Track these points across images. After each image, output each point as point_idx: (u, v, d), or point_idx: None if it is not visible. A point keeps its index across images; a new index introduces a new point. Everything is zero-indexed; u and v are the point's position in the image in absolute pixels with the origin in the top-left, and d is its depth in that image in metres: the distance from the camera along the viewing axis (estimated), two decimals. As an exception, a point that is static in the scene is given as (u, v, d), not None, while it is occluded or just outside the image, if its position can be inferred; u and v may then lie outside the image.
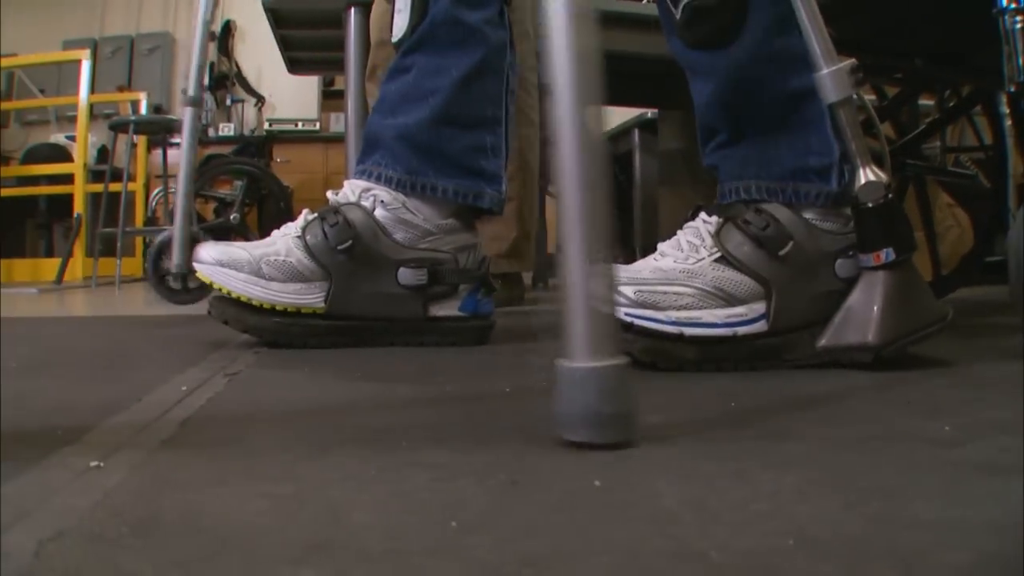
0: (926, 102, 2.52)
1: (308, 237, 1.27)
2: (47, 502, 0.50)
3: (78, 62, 5.17)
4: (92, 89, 5.08)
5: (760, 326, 1.03)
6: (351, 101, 2.10)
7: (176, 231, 1.87)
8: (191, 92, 1.97)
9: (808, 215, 1.06)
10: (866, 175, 1.01)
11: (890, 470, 0.57)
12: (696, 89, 1.15)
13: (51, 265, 5.24)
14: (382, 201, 1.28)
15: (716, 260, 1.05)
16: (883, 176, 1.01)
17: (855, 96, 1.01)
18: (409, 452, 0.63)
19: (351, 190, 1.32)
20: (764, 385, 0.92)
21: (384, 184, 1.30)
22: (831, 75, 0.99)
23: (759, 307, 1.03)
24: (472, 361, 1.15)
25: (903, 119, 2.29)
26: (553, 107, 0.65)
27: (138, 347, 1.39)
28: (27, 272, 5.73)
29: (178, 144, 4.73)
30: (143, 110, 5.54)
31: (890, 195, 1.00)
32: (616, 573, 0.38)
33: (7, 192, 5.99)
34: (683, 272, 1.04)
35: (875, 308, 1.00)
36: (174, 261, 1.87)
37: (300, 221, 1.31)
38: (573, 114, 0.64)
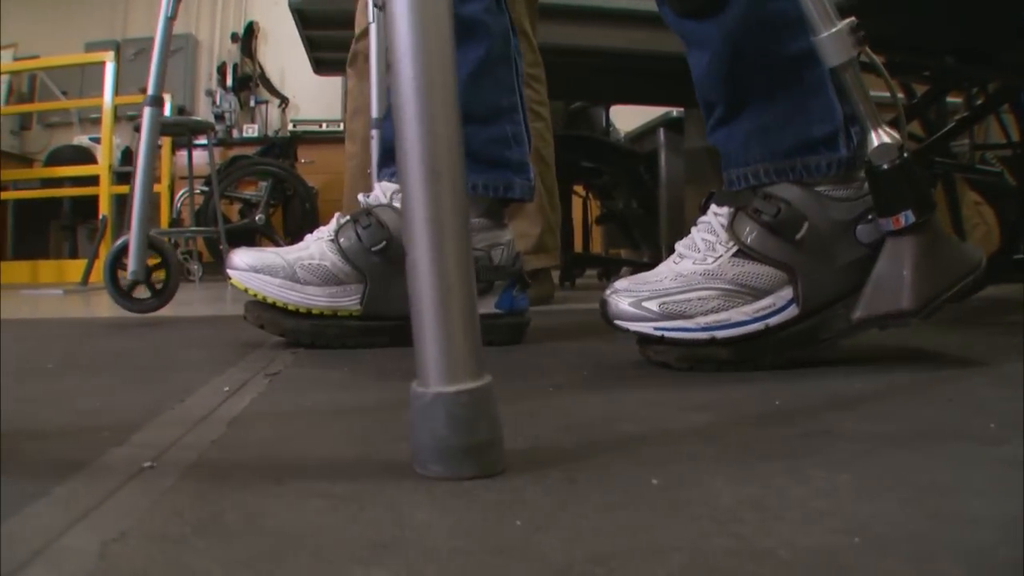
0: (953, 100, 2.51)
1: (342, 240, 1.28)
2: (104, 503, 0.50)
3: (101, 64, 5.19)
4: (115, 91, 5.09)
5: (790, 312, 1.02)
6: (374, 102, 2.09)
7: (133, 236, 1.83)
8: (151, 91, 1.91)
9: (820, 188, 1.03)
10: (879, 137, 0.97)
11: (942, 467, 0.57)
12: (693, 61, 1.13)
13: (75, 266, 5.26)
14: None
15: (734, 255, 1.04)
16: (896, 137, 0.97)
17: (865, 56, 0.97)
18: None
19: (382, 192, 1.32)
20: (806, 384, 0.92)
21: None
22: (831, 38, 0.94)
23: (786, 293, 1.02)
24: (511, 360, 1.15)
25: (931, 117, 2.29)
26: (394, 96, 0.56)
27: (172, 348, 1.39)
28: (52, 273, 5.75)
29: (204, 145, 4.78)
30: (167, 112, 5.55)
31: (904, 155, 0.97)
32: (687, 572, 0.38)
33: (31, 194, 6.03)
34: (703, 275, 1.04)
35: (904, 273, 0.97)
36: (130, 268, 1.82)
37: (332, 225, 1.32)
38: (418, 105, 0.55)
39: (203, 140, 4.93)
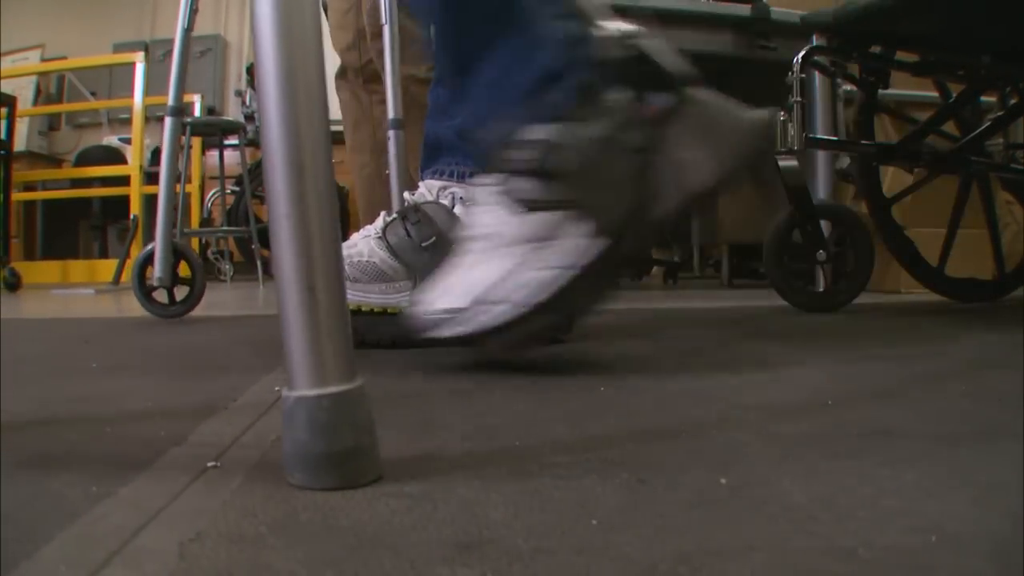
0: (987, 99, 2.51)
1: (390, 237, 1.29)
2: (173, 503, 0.50)
3: (131, 65, 5.22)
4: (145, 91, 5.12)
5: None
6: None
7: (158, 244, 1.86)
8: (171, 102, 1.92)
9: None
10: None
11: (1004, 466, 0.57)
12: None
13: (106, 266, 5.29)
14: (460, 198, 1.30)
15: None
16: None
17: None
18: (523, 451, 0.63)
19: (427, 189, 1.33)
20: (854, 383, 0.92)
21: (458, 180, 1.31)
22: None
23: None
24: (560, 360, 1.16)
25: (967, 116, 2.28)
26: (258, 90, 0.56)
27: (215, 347, 1.40)
28: (82, 273, 5.78)
29: (235, 146, 4.79)
30: (197, 112, 5.57)
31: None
32: (771, 571, 0.38)
33: (61, 194, 6.07)
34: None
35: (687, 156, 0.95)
36: (156, 274, 1.85)
37: (379, 223, 1.32)
38: (281, 120, 0.55)
39: (234, 140, 4.93)
